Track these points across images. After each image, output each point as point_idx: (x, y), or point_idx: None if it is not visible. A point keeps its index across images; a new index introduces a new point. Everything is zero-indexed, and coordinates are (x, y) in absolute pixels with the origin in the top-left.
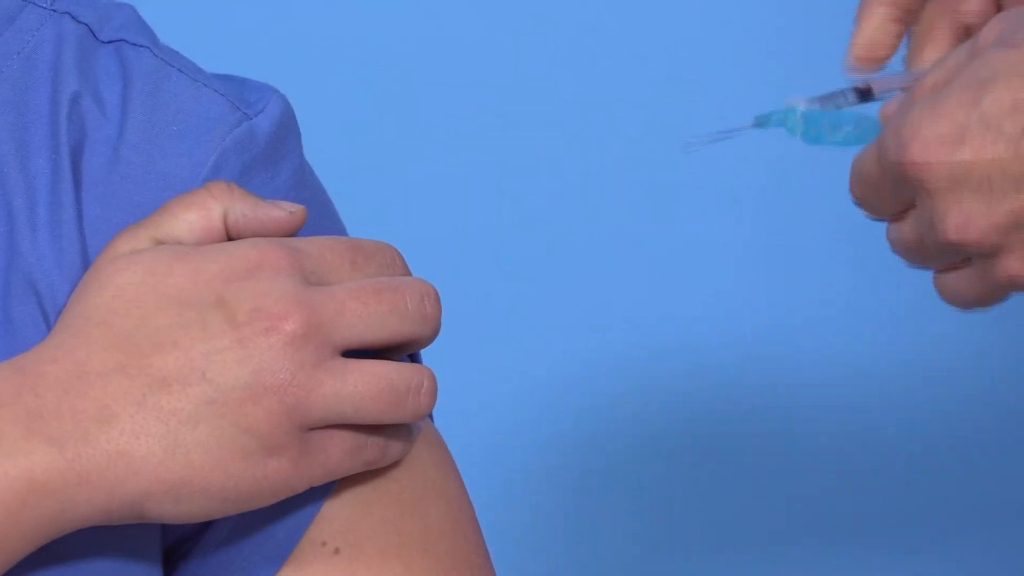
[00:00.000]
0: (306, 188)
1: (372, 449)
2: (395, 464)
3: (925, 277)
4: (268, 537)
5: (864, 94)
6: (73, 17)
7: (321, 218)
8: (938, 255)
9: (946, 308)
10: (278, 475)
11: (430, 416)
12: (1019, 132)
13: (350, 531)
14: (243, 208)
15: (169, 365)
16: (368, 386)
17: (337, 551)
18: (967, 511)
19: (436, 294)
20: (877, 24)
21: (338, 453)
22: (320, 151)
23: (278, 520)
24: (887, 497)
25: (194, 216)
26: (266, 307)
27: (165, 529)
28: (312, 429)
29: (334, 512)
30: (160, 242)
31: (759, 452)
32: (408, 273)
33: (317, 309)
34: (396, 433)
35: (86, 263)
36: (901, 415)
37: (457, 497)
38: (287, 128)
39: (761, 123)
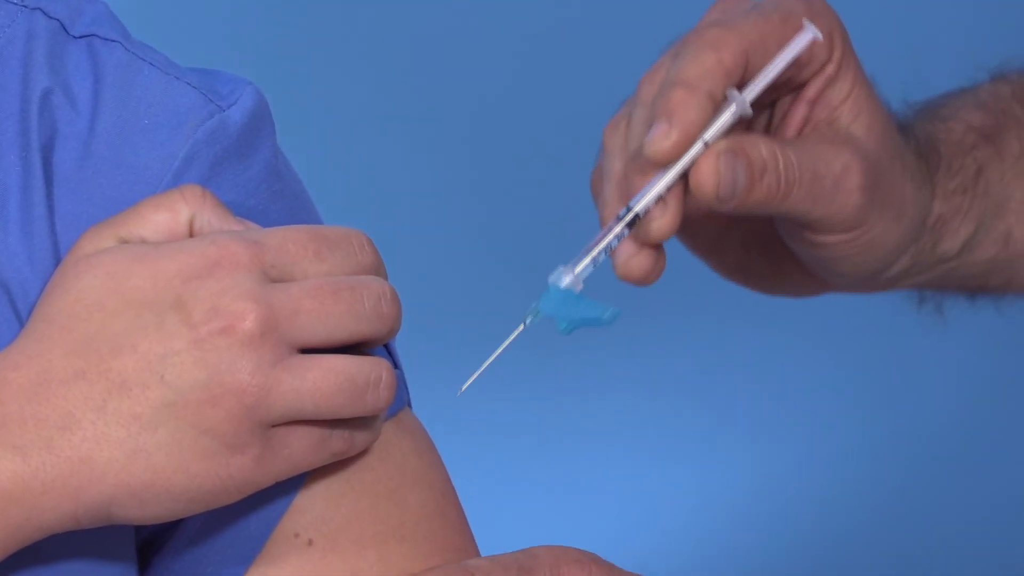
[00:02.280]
0: (280, 180)
1: (337, 441)
2: (369, 454)
3: None
4: (241, 531)
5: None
6: (44, 13)
7: (296, 210)
8: None
9: None
10: (241, 473)
11: (408, 404)
12: None
13: (323, 522)
14: (211, 217)
15: (128, 368)
16: (327, 382)
17: (311, 542)
18: None
19: (393, 293)
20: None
21: (302, 448)
22: (297, 144)
23: (250, 513)
24: None
25: (163, 217)
26: (223, 307)
27: (138, 526)
28: (274, 426)
29: (307, 504)
30: (125, 241)
31: None
32: (377, 257)
33: (274, 307)
34: (362, 423)
35: (58, 259)
36: None
37: (438, 482)
38: (260, 120)
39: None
